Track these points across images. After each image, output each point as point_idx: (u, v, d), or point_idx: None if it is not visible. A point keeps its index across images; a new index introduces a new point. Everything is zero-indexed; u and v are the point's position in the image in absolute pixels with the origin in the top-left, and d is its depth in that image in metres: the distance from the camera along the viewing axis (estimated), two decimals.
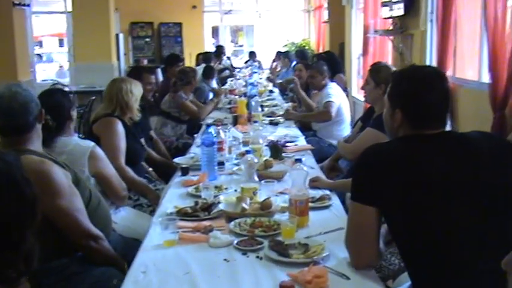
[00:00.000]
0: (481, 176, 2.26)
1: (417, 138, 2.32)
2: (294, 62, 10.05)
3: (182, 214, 2.95)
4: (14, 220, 1.44)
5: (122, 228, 3.37)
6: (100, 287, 2.61)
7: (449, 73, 5.78)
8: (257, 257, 2.46)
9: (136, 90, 4.38)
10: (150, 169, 4.67)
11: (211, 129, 3.83)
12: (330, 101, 6.05)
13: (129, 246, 2.98)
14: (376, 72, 4.25)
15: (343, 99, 6.35)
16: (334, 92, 6.22)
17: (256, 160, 3.52)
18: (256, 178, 3.34)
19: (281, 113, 6.69)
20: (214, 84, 9.54)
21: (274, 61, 13.42)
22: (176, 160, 4.29)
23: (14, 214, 1.44)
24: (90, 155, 3.27)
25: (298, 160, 3.12)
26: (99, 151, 3.40)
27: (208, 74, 9.10)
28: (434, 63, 6.09)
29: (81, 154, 3.24)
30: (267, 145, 4.42)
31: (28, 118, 2.66)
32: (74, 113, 3.49)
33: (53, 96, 3.44)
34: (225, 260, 2.44)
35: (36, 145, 2.73)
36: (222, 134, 4.20)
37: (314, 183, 3.54)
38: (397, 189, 2.21)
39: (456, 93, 5.74)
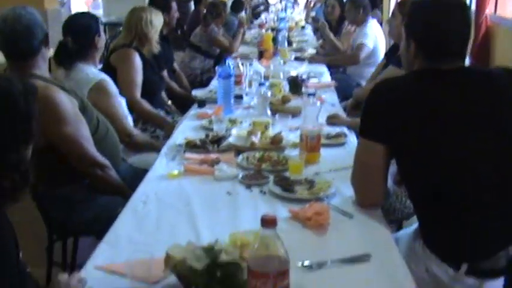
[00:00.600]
0: (502, 113, 2.14)
1: (432, 73, 2.19)
2: None
3: (191, 146, 2.90)
4: (7, 133, 1.48)
5: (133, 159, 3.35)
6: (105, 215, 2.59)
7: (488, 10, 5.51)
8: (261, 191, 2.41)
9: (157, 20, 4.25)
10: (170, 102, 4.62)
11: (229, 62, 3.73)
12: (362, 44, 5.81)
13: (140, 177, 2.95)
14: (405, 6, 4.05)
15: (380, 40, 6.07)
16: (371, 32, 5.93)
17: (269, 93, 3.42)
18: (269, 112, 3.26)
19: (310, 50, 6.52)
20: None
21: None
22: (194, 92, 4.22)
23: (7, 126, 1.48)
24: (93, 86, 3.18)
25: (311, 94, 3.02)
26: (109, 87, 3.30)
27: (237, 7, 8.91)
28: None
29: (85, 84, 3.18)
30: (286, 80, 4.31)
31: (32, 42, 2.60)
32: (101, 42, 3.38)
33: (80, 19, 3.36)
34: (227, 193, 2.40)
35: (43, 70, 2.68)
36: (240, 67, 4.10)
37: (332, 120, 3.45)
38: (409, 125, 2.11)
39: (495, 33, 5.48)
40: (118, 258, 1.82)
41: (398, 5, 4.18)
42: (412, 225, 2.51)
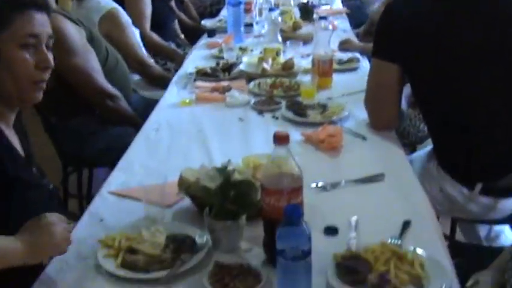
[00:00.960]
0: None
1: None
2: None
3: (201, 74, 2.87)
4: None
5: (144, 89, 3.33)
6: (118, 145, 2.58)
7: None
8: (273, 116, 2.39)
9: None
10: (182, 36, 4.55)
11: None
12: None
13: (151, 108, 2.94)
14: None
15: None
16: None
17: (280, 19, 3.35)
18: (280, 39, 3.20)
19: None
20: None
21: None
22: (203, 22, 4.15)
23: None
24: (104, 15, 3.14)
25: (323, 18, 2.95)
26: (120, 16, 3.26)
27: None
28: None
29: (96, 12, 3.13)
30: (297, 6, 4.22)
31: None
32: None
33: None
34: (239, 119, 2.38)
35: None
36: None
37: (344, 46, 3.38)
38: (423, 51, 2.05)
39: None
40: (132, 184, 1.83)
41: None
42: (426, 148, 2.49)
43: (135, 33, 3.41)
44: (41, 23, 1.53)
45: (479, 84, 2.04)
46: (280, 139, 1.33)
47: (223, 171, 1.47)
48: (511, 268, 1.28)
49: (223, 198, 1.43)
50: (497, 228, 2.39)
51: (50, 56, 1.56)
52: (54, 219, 1.36)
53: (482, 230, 2.43)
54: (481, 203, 2.15)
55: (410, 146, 3.15)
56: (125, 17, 3.29)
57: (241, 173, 1.47)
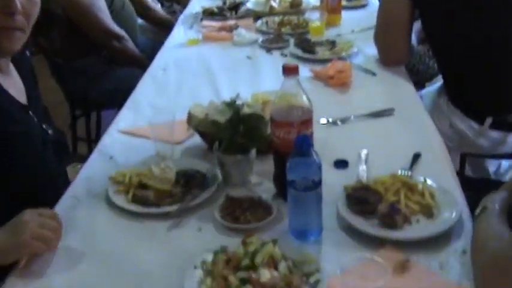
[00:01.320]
0: None
1: None
2: None
3: (208, 13, 2.83)
4: None
5: (149, 33, 3.30)
6: (125, 86, 2.58)
7: None
8: (282, 54, 2.37)
9: None
10: None
11: None
12: None
13: (158, 50, 2.91)
14: None
15: None
16: None
17: None
18: None
19: None
20: None
21: None
22: None
23: None
24: None
25: None
26: None
27: None
28: None
29: None
30: None
31: None
32: None
33: None
34: (247, 57, 2.36)
35: None
36: None
37: None
38: None
39: None
40: (141, 122, 1.82)
41: None
42: (435, 84, 2.47)
43: None
44: None
45: (492, 19, 2.01)
46: (289, 70, 1.31)
47: (232, 105, 1.46)
48: None
49: (233, 132, 1.43)
50: (506, 163, 2.38)
51: (25, 1, 1.39)
52: (28, 217, 1.22)
53: (492, 166, 2.42)
54: (490, 137, 2.15)
55: (419, 83, 3.12)
56: None
57: (251, 107, 1.46)
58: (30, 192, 1.47)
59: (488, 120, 2.10)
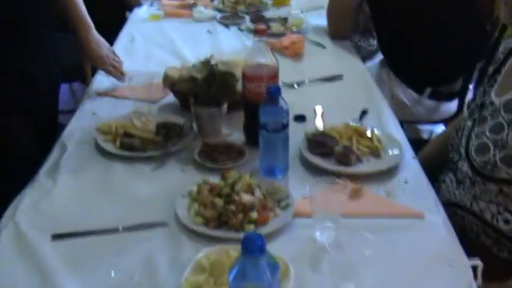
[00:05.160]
0: None
1: None
2: None
3: None
4: None
5: None
6: None
7: None
8: (239, 29, 2.58)
9: None
10: None
11: None
12: None
13: None
14: None
15: None
16: None
17: None
18: None
19: None
20: None
21: None
22: None
23: None
24: None
25: None
26: None
27: None
28: None
29: None
30: None
31: None
32: None
33: None
34: (208, 31, 2.56)
35: None
36: None
37: None
38: None
39: None
40: (117, 86, 1.99)
41: None
42: (378, 58, 2.73)
43: None
44: None
45: (436, 5, 2.28)
46: (260, 31, 1.53)
47: (208, 63, 1.66)
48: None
49: (208, 87, 1.63)
50: (437, 129, 2.68)
51: None
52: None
53: (425, 133, 2.72)
54: (426, 105, 2.43)
55: (362, 60, 3.39)
56: None
57: (224, 64, 1.66)
58: None
59: (428, 91, 2.38)
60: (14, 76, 1.74)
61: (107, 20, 2.42)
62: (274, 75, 1.55)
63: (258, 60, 1.54)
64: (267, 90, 1.43)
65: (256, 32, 1.52)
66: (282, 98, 1.43)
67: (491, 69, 1.55)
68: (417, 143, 2.43)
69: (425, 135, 2.73)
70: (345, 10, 2.40)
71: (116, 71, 1.98)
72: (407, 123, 2.66)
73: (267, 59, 1.54)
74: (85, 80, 1.85)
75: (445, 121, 2.53)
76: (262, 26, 1.54)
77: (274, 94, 1.42)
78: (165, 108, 1.86)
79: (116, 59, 1.99)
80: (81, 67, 2.69)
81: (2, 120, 1.72)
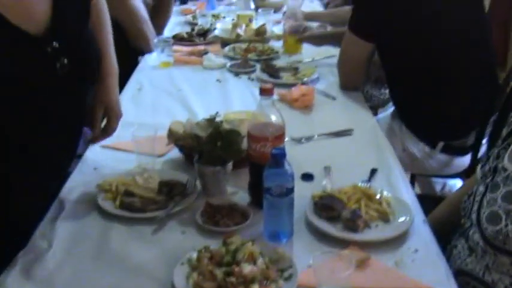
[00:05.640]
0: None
1: None
2: None
3: (178, 39, 2.99)
4: None
5: None
6: None
7: None
8: (249, 78, 2.55)
9: None
10: None
11: None
12: None
13: None
14: None
15: None
16: None
17: None
18: (252, 6, 3.34)
19: None
20: None
21: None
22: None
23: None
24: None
25: None
26: None
27: None
28: None
29: None
30: None
31: None
32: None
33: None
34: (217, 80, 2.53)
35: None
36: None
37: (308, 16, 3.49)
38: (394, 17, 2.22)
39: None
40: (122, 138, 1.95)
41: None
42: (389, 109, 2.68)
43: None
44: None
45: (441, 52, 2.24)
46: (266, 91, 1.49)
47: (212, 121, 1.62)
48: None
49: (213, 146, 1.58)
50: (450, 182, 2.61)
51: None
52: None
53: (438, 184, 2.65)
54: (438, 159, 2.37)
55: (372, 109, 3.35)
56: None
57: (229, 123, 1.62)
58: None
59: (440, 144, 2.32)
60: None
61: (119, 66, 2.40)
62: (280, 135, 1.51)
63: (263, 120, 1.50)
64: (271, 153, 1.38)
65: (262, 91, 1.48)
66: (287, 161, 1.39)
67: (504, 132, 1.50)
68: (429, 199, 2.39)
69: (438, 188, 2.67)
70: (357, 61, 2.36)
71: (105, 136, 1.80)
72: (419, 177, 2.60)
73: (273, 118, 1.50)
74: (95, 126, 1.78)
75: (458, 175, 2.46)
76: (268, 86, 1.50)
77: (278, 157, 1.37)
78: (170, 162, 1.82)
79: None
80: (93, 113, 2.66)
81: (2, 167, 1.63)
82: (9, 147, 1.21)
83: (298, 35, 2.74)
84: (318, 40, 2.78)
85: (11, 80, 1.25)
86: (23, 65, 1.27)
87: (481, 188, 1.41)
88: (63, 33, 1.39)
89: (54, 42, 1.37)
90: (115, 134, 1.95)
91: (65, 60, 1.39)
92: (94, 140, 1.77)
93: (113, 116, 1.78)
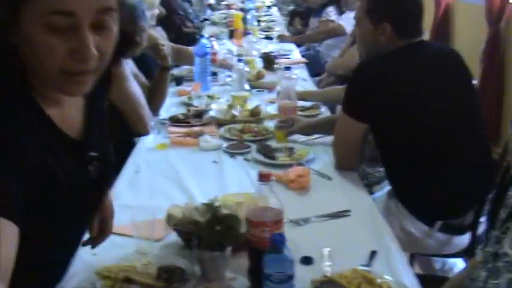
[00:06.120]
0: (464, 84, 2.38)
1: (408, 48, 2.35)
2: None
3: (174, 120, 3.04)
4: None
5: None
6: None
7: None
8: (245, 159, 2.57)
9: None
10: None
11: (205, 40, 3.85)
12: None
13: None
14: None
15: None
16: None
17: (247, 69, 3.57)
18: (247, 87, 3.41)
19: (278, 28, 6.65)
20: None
21: None
22: (171, 71, 4.32)
23: None
24: None
25: (288, 68, 3.18)
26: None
27: None
28: None
29: None
30: (259, 57, 4.45)
31: None
32: None
33: None
34: (214, 161, 2.55)
35: None
36: (215, 45, 4.22)
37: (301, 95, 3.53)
38: (387, 101, 2.27)
39: (453, 9, 5.72)
40: (120, 222, 1.95)
41: None
42: (385, 188, 2.70)
43: None
44: None
45: (442, 134, 2.30)
46: (264, 177, 1.51)
47: (211, 206, 1.63)
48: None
49: (212, 231, 1.59)
50: (450, 261, 2.60)
51: (100, 40, 1.15)
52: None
53: (438, 263, 2.64)
54: (438, 239, 2.36)
55: (368, 187, 3.37)
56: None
57: (227, 208, 1.63)
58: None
59: (438, 224, 2.32)
60: None
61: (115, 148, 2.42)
62: (279, 220, 1.52)
63: (262, 205, 1.52)
64: (270, 238, 1.39)
65: (261, 177, 1.50)
66: (287, 247, 1.39)
67: (503, 213, 1.51)
68: (430, 279, 2.38)
69: (438, 266, 2.65)
70: (352, 142, 2.39)
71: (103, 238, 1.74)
72: (419, 256, 2.59)
73: (271, 203, 1.52)
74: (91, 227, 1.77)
75: (458, 254, 2.46)
76: (266, 172, 1.52)
77: (278, 243, 1.38)
78: (169, 246, 1.81)
79: None
80: None
81: None
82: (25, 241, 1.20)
83: (285, 130, 2.76)
84: (307, 130, 2.79)
85: (52, 179, 1.24)
86: (64, 165, 1.28)
87: (483, 273, 1.41)
88: (94, 139, 1.42)
89: (89, 146, 1.39)
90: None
91: (96, 164, 1.40)
92: (94, 242, 1.70)
93: (108, 216, 1.73)
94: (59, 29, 1.09)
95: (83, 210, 1.46)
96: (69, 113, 1.33)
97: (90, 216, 1.59)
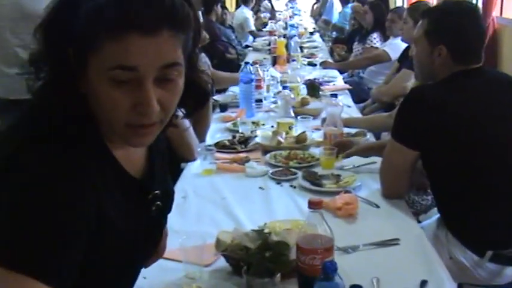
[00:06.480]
0: None
1: (465, 74, 2.33)
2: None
3: (220, 146, 3.06)
4: None
5: None
6: None
7: (495, 13, 5.68)
8: (291, 186, 2.57)
9: None
10: None
11: (249, 67, 3.89)
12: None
13: None
14: (415, 10, 4.23)
15: None
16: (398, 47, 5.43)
17: (292, 96, 3.59)
18: (292, 114, 3.43)
19: (321, 54, 6.68)
20: None
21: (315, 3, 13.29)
22: (215, 97, 4.38)
23: None
24: None
25: (334, 95, 3.18)
26: None
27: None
28: (480, 3, 5.98)
29: None
30: (304, 83, 4.47)
31: None
32: None
33: None
34: (260, 188, 2.56)
35: None
36: (260, 72, 4.26)
37: (347, 122, 3.51)
38: (441, 131, 2.24)
39: (501, 34, 5.65)
40: (169, 247, 1.96)
41: (408, 9, 4.35)
42: (431, 217, 2.67)
43: None
44: (146, 50, 1.10)
45: (496, 163, 2.26)
46: (315, 204, 1.51)
47: (261, 233, 1.64)
48: None
49: (262, 257, 1.59)
50: None
51: (163, 93, 1.16)
52: None
53: None
54: (488, 269, 2.31)
55: (414, 215, 3.32)
56: None
57: (278, 235, 1.63)
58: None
59: (489, 253, 2.27)
60: None
61: None
62: (329, 247, 1.52)
63: (312, 232, 1.51)
64: (322, 266, 1.38)
65: (311, 205, 1.51)
66: (338, 274, 1.38)
67: None
68: None
69: None
70: (401, 169, 2.37)
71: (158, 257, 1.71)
72: (468, 286, 2.53)
73: (322, 230, 1.52)
74: None
75: (509, 286, 2.39)
76: (317, 199, 1.52)
77: (330, 270, 1.37)
78: (217, 272, 1.82)
79: None
80: None
81: None
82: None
83: (342, 152, 2.75)
84: (366, 152, 2.77)
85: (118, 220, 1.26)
86: (130, 206, 1.30)
87: None
88: (157, 177, 1.43)
89: (153, 185, 1.40)
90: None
91: (159, 203, 1.42)
92: (149, 262, 1.67)
93: (163, 236, 1.71)
94: (122, 82, 1.12)
95: (145, 246, 1.48)
96: (134, 153, 1.35)
97: (152, 250, 1.58)
